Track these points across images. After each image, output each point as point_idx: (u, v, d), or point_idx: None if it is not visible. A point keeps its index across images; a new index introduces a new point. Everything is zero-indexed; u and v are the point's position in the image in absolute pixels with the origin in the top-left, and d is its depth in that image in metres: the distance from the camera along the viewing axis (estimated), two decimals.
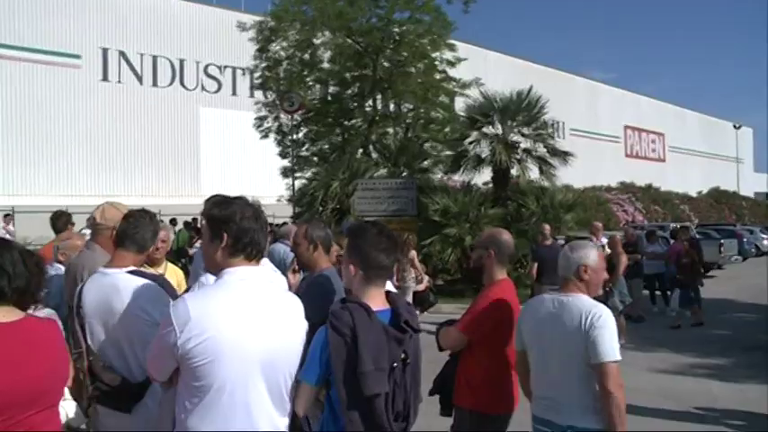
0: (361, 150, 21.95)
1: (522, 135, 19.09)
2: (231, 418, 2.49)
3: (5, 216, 21.44)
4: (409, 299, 12.72)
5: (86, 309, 3.33)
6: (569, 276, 3.59)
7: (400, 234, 13.63)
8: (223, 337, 2.45)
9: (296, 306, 2.73)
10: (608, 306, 3.59)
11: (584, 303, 3.48)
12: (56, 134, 33.45)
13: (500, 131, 18.97)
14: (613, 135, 65.77)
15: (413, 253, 13.02)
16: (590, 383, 3.39)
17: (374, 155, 21.75)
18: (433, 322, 4.83)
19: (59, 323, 2.80)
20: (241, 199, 2.70)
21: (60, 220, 7.06)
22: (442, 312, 12.27)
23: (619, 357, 3.36)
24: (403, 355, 2.79)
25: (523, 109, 18.84)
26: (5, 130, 32.17)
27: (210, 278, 3.59)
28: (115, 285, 3.28)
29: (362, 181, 18.40)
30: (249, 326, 2.51)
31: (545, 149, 19.05)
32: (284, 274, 4.64)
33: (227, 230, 2.61)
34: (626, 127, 68.72)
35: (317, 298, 3.99)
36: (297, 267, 4.61)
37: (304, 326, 2.70)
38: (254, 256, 2.64)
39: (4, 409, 2.40)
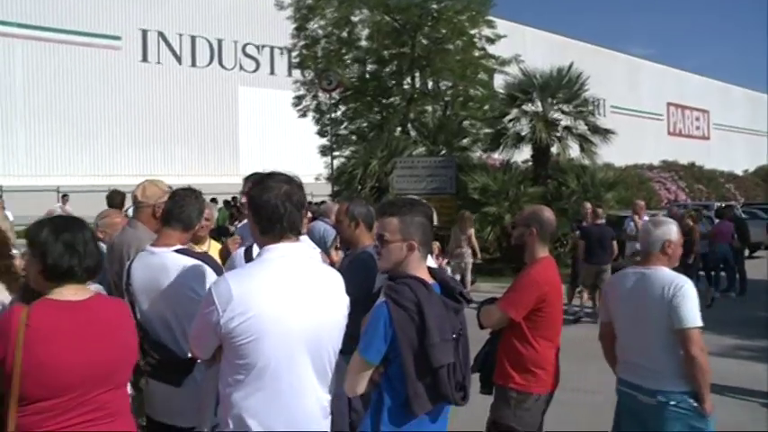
0: (399, 128, 21.96)
1: (563, 112, 18.85)
2: (276, 395, 2.50)
3: (63, 197, 21.86)
4: (468, 274, 12.96)
5: (135, 287, 3.38)
6: (653, 251, 3.86)
7: (461, 212, 13.80)
8: (266, 315, 2.46)
9: (337, 281, 2.72)
10: None
11: (666, 275, 3.75)
12: (98, 115, 34.00)
13: (540, 109, 18.75)
14: (655, 112, 64.56)
15: (471, 230, 13.17)
16: (674, 349, 3.66)
17: (413, 133, 21.72)
18: (473, 301, 4.81)
19: (121, 302, 2.83)
20: (272, 177, 2.65)
21: (116, 198, 7.23)
22: (481, 291, 12.23)
23: (700, 323, 3.62)
24: (459, 327, 2.83)
25: (564, 86, 18.59)
26: (50, 113, 32.81)
27: (240, 253, 3.64)
28: (163, 265, 3.31)
29: (401, 159, 18.38)
30: (292, 303, 2.51)
31: (586, 127, 18.80)
32: (325, 251, 4.65)
33: (253, 208, 2.61)
34: (668, 104, 67.36)
35: (359, 274, 4.05)
36: (339, 245, 4.62)
37: (346, 301, 2.70)
38: (282, 232, 2.59)
39: (74, 387, 2.45)
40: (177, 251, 3.39)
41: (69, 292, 2.54)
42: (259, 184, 2.62)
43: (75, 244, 2.54)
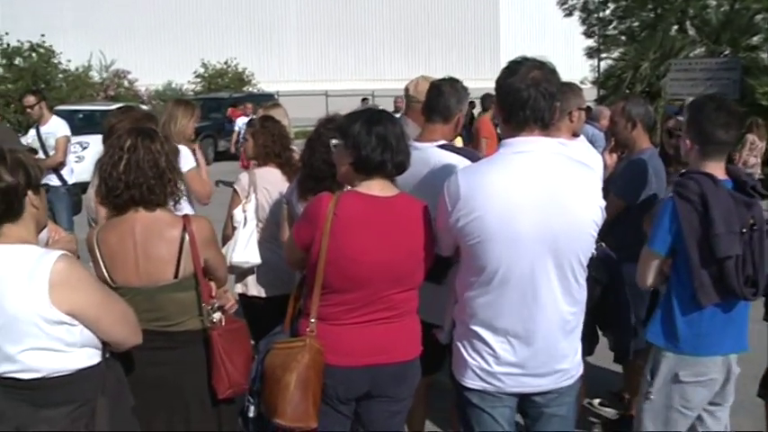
0: (676, 27, 20.14)
1: None
2: (506, 301, 2.38)
3: (363, 100, 23.18)
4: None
5: (399, 181, 3.36)
6: None
7: (753, 118, 12.77)
8: (492, 216, 2.31)
9: (588, 180, 2.44)
10: None
11: None
12: (362, 23, 35.67)
13: None
14: None
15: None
16: None
17: (691, 31, 19.81)
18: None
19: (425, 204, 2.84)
20: (523, 61, 2.41)
21: (486, 100, 8.96)
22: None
23: None
24: (751, 221, 2.72)
25: None
26: (319, 22, 35.03)
27: None
28: (426, 160, 3.21)
29: (677, 61, 16.82)
30: (524, 203, 2.31)
31: None
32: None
33: (497, 93, 2.44)
34: None
35: (636, 180, 3.87)
36: (613, 147, 4.28)
37: (598, 202, 2.42)
38: (525, 121, 2.36)
39: (370, 282, 2.49)
40: (440, 146, 3.28)
41: (376, 187, 2.55)
42: (508, 67, 2.42)
43: (387, 137, 2.52)
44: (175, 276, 2.55)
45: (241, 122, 13.21)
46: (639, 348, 3.52)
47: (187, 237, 2.55)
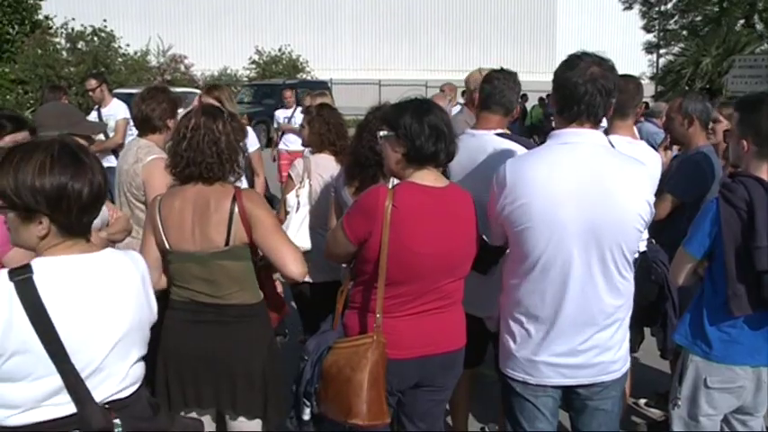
0: (742, 21, 19.50)
1: None
2: (547, 289, 2.40)
3: (440, 88, 23.12)
4: None
5: (452, 169, 3.34)
6: None
7: None
8: (535, 204, 2.36)
9: (636, 174, 2.44)
10: None
11: None
12: (417, 13, 35.60)
13: None
14: None
15: None
16: None
17: (759, 26, 19.18)
18: None
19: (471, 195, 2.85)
20: (583, 56, 2.43)
21: None
22: None
23: None
24: None
25: None
26: (373, 12, 35.01)
27: None
28: (483, 147, 3.22)
29: (741, 57, 16.35)
30: (567, 192, 2.34)
31: None
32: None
33: (554, 85, 2.45)
34: None
35: (691, 177, 3.79)
36: (668, 144, 4.21)
37: (644, 196, 2.42)
38: (578, 115, 2.39)
39: (427, 274, 2.50)
40: (498, 134, 3.28)
41: (430, 178, 2.55)
42: (567, 61, 2.45)
43: (439, 126, 2.52)
44: (226, 244, 2.63)
45: (282, 116, 11.45)
46: None
47: (237, 207, 2.64)
